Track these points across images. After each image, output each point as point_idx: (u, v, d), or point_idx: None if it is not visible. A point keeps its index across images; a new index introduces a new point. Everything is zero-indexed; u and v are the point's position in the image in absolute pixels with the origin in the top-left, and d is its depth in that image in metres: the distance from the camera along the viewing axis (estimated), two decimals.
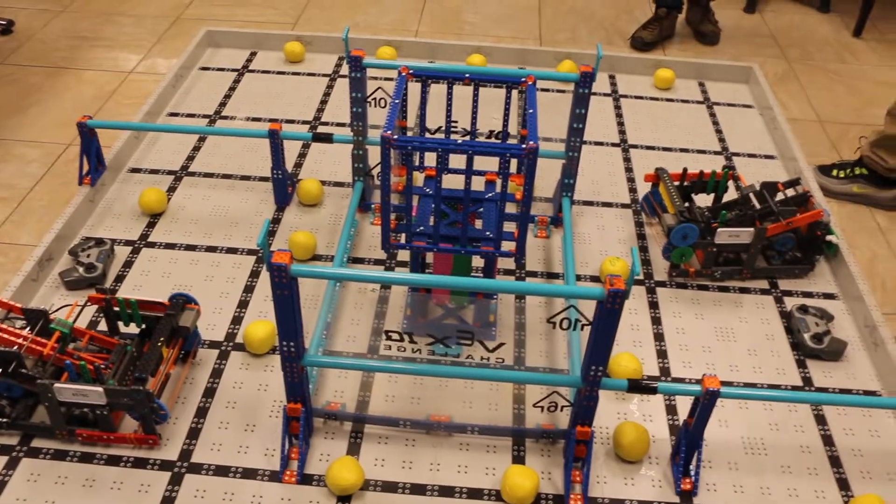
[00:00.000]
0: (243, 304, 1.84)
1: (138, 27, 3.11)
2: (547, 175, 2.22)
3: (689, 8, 3.26)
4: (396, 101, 1.46)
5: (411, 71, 1.57)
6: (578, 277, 1.95)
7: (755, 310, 1.93)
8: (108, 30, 3.09)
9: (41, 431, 1.49)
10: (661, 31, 3.17)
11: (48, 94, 2.67)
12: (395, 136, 1.36)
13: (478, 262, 1.91)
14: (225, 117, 2.50)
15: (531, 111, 1.45)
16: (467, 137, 1.79)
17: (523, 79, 1.57)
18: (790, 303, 1.94)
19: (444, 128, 1.76)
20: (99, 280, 1.86)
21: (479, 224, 1.64)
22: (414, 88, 2.56)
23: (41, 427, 1.48)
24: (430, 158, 1.98)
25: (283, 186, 2.10)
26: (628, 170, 2.35)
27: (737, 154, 2.46)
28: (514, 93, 2.59)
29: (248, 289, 1.88)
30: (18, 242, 2.06)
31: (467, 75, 1.60)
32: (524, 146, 1.37)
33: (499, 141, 1.83)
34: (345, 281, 1.87)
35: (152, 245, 2.01)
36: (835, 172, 2.33)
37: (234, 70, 2.74)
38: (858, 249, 2.19)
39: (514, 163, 2.10)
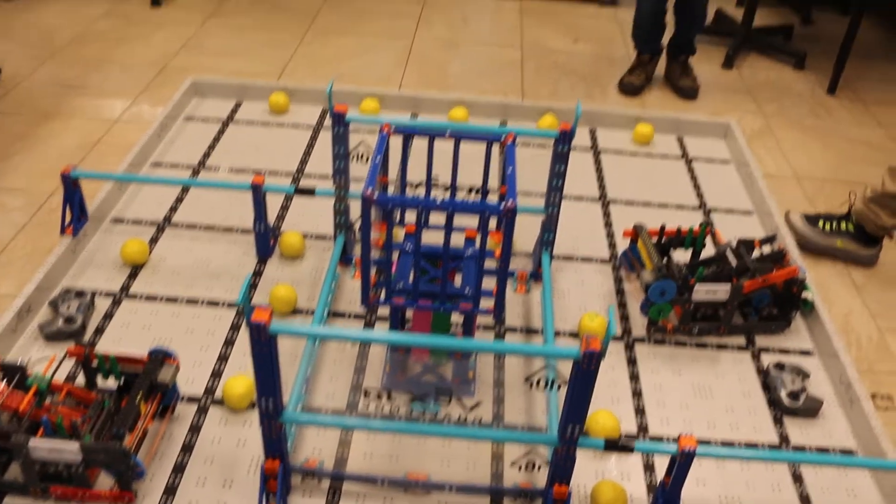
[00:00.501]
0: (223, 358, 1.84)
1: (125, 75, 3.14)
2: (527, 230, 2.24)
3: (668, 64, 3.33)
4: (378, 158, 1.49)
5: (393, 128, 1.60)
6: (557, 333, 1.96)
7: (732, 366, 1.94)
8: (94, 78, 3.11)
9: (14, 489, 1.48)
10: (646, 76, 3.28)
11: (33, 142, 2.67)
12: (376, 195, 1.38)
13: (458, 317, 1.92)
14: (209, 168, 2.52)
15: (510, 169, 1.48)
16: (448, 192, 1.81)
17: (503, 136, 1.60)
18: (767, 359, 1.96)
19: (425, 183, 1.78)
20: (78, 332, 1.85)
21: (459, 281, 1.66)
22: (396, 142, 2.59)
23: (14, 485, 1.47)
24: (411, 214, 2.00)
25: (266, 239, 2.11)
26: (608, 225, 2.38)
27: (715, 209, 2.50)
28: (496, 147, 2.63)
29: (229, 342, 1.88)
30: None
31: (448, 132, 1.63)
32: (503, 205, 1.39)
33: (478, 197, 1.85)
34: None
35: (133, 297, 2.01)
36: (821, 224, 2.35)
37: (218, 120, 2.76)
38: (834, 305, 2.22)
39: (494, 219, 2.13)
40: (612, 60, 3.51)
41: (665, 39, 3.26)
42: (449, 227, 1.45)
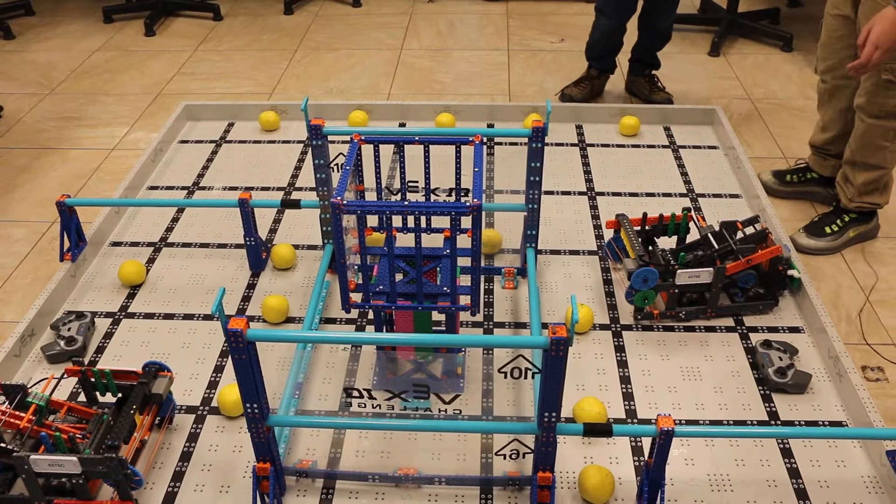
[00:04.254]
0: (219, 369, 1.89)
1: (121, 105, 3.22)
2: (514, 227, 2.29)
3: (633, 81, 3.22)
4: (348, 167, 1.54)
5: (363, 137, 1.64)
6: (545, 325, 2.00)
7: (721, 348, 1.97)
8: (92, 109, 3.20)
9: (20, 503, 1.54)
10: (591, 90, 3.16)
11: (34, 175, 2.75)
12: (345, 202, 1.43)
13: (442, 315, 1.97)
14: (203, 188, 2.58)
15: (476, 170, 1.52)
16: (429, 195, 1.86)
17: (470, 139, 1.65)
18: (756, 339, 1.99)
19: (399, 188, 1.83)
20: (79, 352, 1.92)
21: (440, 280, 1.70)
22: (387, 151, 2.65)
23: (20, 499, 1.52)
24: (397, 218, 2.04)
25: (257, 252, 2.16)
26: (595, 217, 2.42)
27: (702, 195, 2.53)
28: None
29: (224, 353, 1.94)
30: (3, 320, 2.12)
31: (416, 138, 1.67)
32: (469, 204, 1.43)
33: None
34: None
35: (132, 316, 2.07)
36: (828, 229, 2.37)
37: (211, 141, 2.83)
38: (824, 282, 2.24)
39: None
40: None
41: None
42: (419, 229, 1.50)
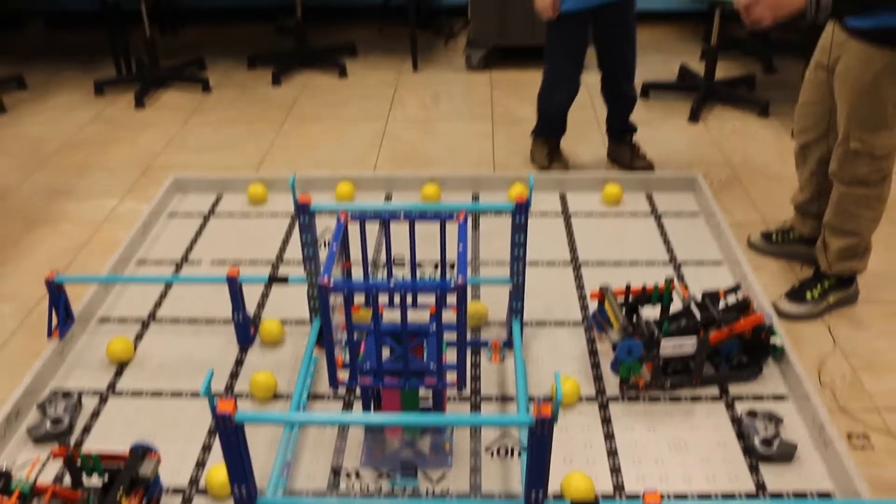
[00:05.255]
0: (207, 448, 1.89)
1: (111, 178, 3.25)
2: (500, 298, 2.31)
3: (615, 148, 3.27)
4: (335, 246, 1.56)
5: (350, 215, 1.68)
6: (532, 399, 2.01)
7: (707, 418, 1.98)
8: (82, 183, 3.23)
9: None
10: (551, 155, 3.19)
11: (24, 249, 2.77)
12: (332, 282, 1.46)
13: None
14: (192, 262, 2.60)
15: (461, 246, 1.55)
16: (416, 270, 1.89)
17: (454, 215, 1.68)
18: (741, 407, 2.00)
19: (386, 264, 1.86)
20: (66, 433, 1.91)
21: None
22: (373, 225, 2.68)
23: None
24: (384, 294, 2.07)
25: (245, 328, 2.18)
26: (580, 287, 2.45)
27: (685, 262, 2.57)
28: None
29: (212, 432, 1.94)
30: None
31: (402, 214, 1.71)
32: (453, 282, 1.46)
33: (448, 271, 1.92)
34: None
35: (119, 394, 2.07)
36: (808, 295, 2.41)
37: (200, 215, 2.86)
38: (807, 348, 2.26)
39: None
40: (581, 124, 3.60)
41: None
42: (404, 305, 1.52)
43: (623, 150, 3.23)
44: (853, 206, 2.26)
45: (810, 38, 2.14)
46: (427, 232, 1.99)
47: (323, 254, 2.05)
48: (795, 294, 2.39)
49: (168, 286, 2.47)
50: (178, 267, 2.58)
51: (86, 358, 2.20)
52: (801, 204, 2.56)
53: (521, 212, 1.91)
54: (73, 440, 1.93)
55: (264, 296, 2.43)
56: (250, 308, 2.35)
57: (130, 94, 4.02)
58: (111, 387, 2.09)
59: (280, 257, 2.62)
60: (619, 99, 3.14)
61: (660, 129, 3.59)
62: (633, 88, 3.12)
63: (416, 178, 2.95)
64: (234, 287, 2.09)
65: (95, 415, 2.00)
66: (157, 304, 2.40)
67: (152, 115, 3.87)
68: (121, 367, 2.16)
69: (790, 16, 1.94)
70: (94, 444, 1.89)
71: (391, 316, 2.01)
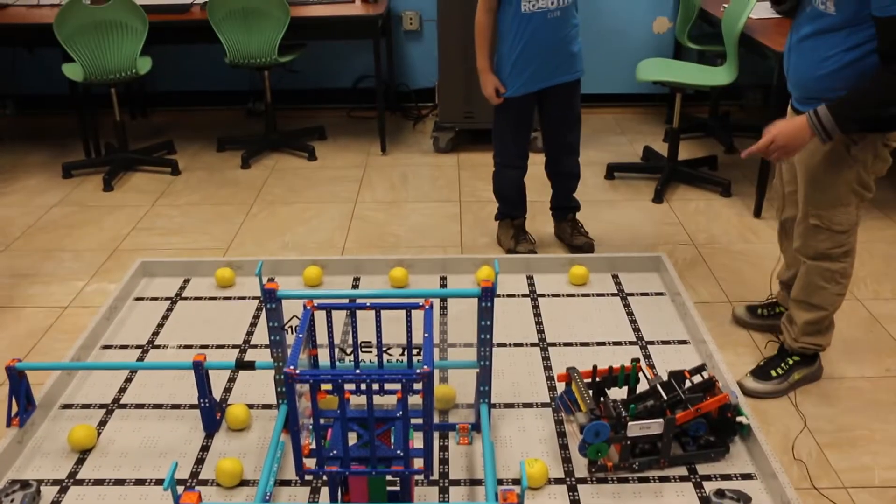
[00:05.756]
0: None
1: (77, 262, 3.24)
2: (468, 380, 2.31)
3: (558, 226, 3.34)
4: (301, 335, 1.57)
5: (316, 304, 1.69)
6: (500, 482, 2.00)
7: (676, 498, 1.98)
8: (47, 266, 3.21)
9: None
10: (516, 237, 3.21)
11: None
12: (298, 371, 1.46)
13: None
14: (158, 346, 2.58)
15: (427, 335, 1.56)
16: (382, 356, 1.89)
17: (420, 303, 1.70)
18: (710, 487, 2.00)
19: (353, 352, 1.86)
20: None
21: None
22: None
23: None
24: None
25: (211, 414, 2.15)
26: (547, 368, 2.46)
27: (651, 342, 2.59)
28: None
29: None
30: None
31: (368, 304, 1.72)
32: (418, 371, 1.46)
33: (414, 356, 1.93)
34: None
35: (80, 483, 2.03)
36: (773, 373, 2.43)
37: (167, 298, 2.85)
38: (773, 426, 2.28)
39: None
40: (547, 204, 3.66)
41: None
42: (370, 392, 1.52)
43: (564, 227, 3.30)
44: (819, 279, 2.31)
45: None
46: (395, 313, 2.00)
47: (290, 339, 2.04)
48: (760, 372, 2.42)
49: (133, 371, 2.44)
50: (145, 352, 2.56)
51: (46, 446, 2.15)
52: (788, 280, 2.58)
53: (487, 297, 1.94)
54: None
55: (231, 380, 2.41)
56: (217, 392, 2.33)
57: (99, 177, 4.04)
58: (72, 475, 2.05)
59: (247, 341, 2.61)
60: (562, 175, 3.23)
61: (624, 209, 3.66)
62: (576, 165, 3.21)
63: (384, 260, 2.97)
64: (200, 372, 2.08)
65: None
66: (122, 390, 2.37)
67: (120, 198, 3.88)
68: (83, 455, 2.12)
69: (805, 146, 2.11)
70: None
71: (358, 401, 2.00)
